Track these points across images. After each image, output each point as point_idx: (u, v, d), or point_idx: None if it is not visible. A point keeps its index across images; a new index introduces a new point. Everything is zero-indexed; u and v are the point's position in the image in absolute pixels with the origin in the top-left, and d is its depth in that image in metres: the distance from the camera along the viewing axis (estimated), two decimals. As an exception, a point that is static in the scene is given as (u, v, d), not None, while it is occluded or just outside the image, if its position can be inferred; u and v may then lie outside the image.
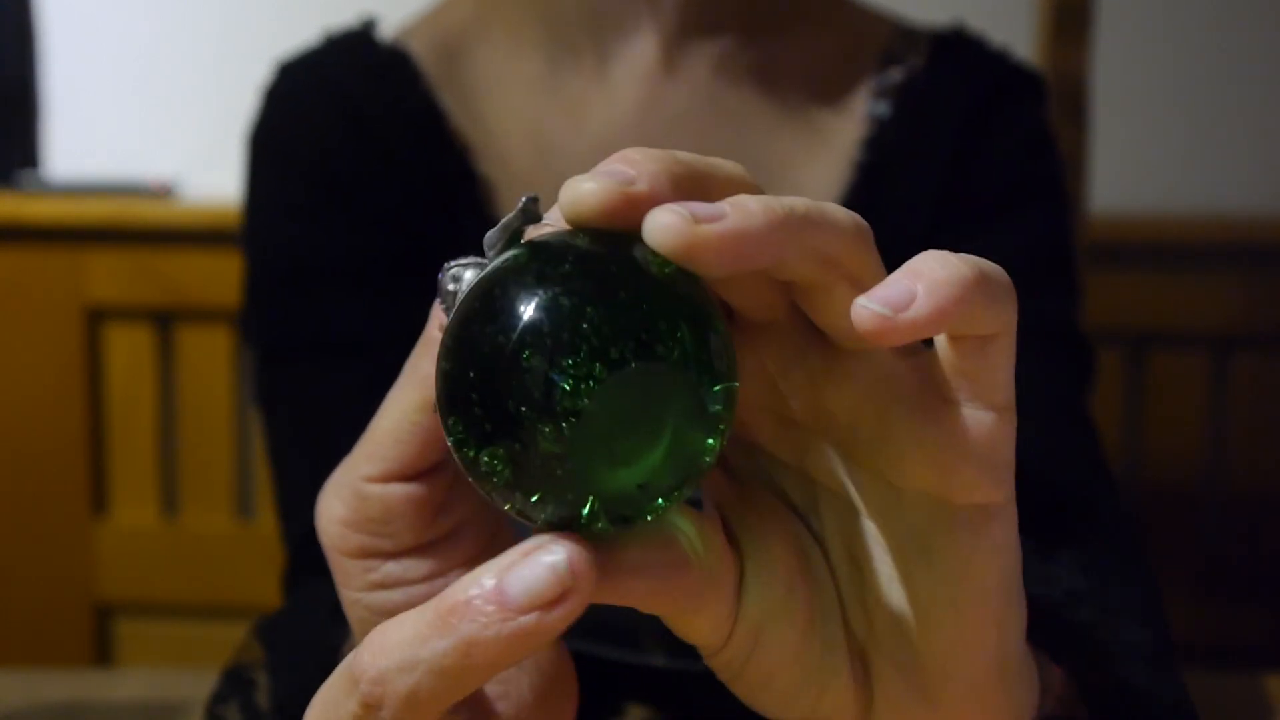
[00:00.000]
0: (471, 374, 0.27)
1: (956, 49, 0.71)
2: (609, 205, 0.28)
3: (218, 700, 0.52)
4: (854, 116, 0.69)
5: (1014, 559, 0.33)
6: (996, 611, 0.32)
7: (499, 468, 0.28)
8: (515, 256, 0.28)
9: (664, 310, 0.27)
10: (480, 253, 0.31)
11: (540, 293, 0.27)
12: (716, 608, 0.32)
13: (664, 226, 0.27)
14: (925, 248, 0.63)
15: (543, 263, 0.28)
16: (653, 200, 0.28)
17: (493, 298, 0.28)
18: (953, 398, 0.31)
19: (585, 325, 0.27)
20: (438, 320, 0.34)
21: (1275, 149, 1.44)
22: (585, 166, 0.75)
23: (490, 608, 0.27)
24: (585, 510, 0.28)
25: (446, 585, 0.35)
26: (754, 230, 0.28)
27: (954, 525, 0.32)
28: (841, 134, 0.68)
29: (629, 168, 0.28)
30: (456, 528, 0.37)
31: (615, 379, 0.27)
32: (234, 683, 0.52)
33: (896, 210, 0.67)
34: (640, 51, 0.68)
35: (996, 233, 0.67)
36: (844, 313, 0.30)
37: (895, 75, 0.69)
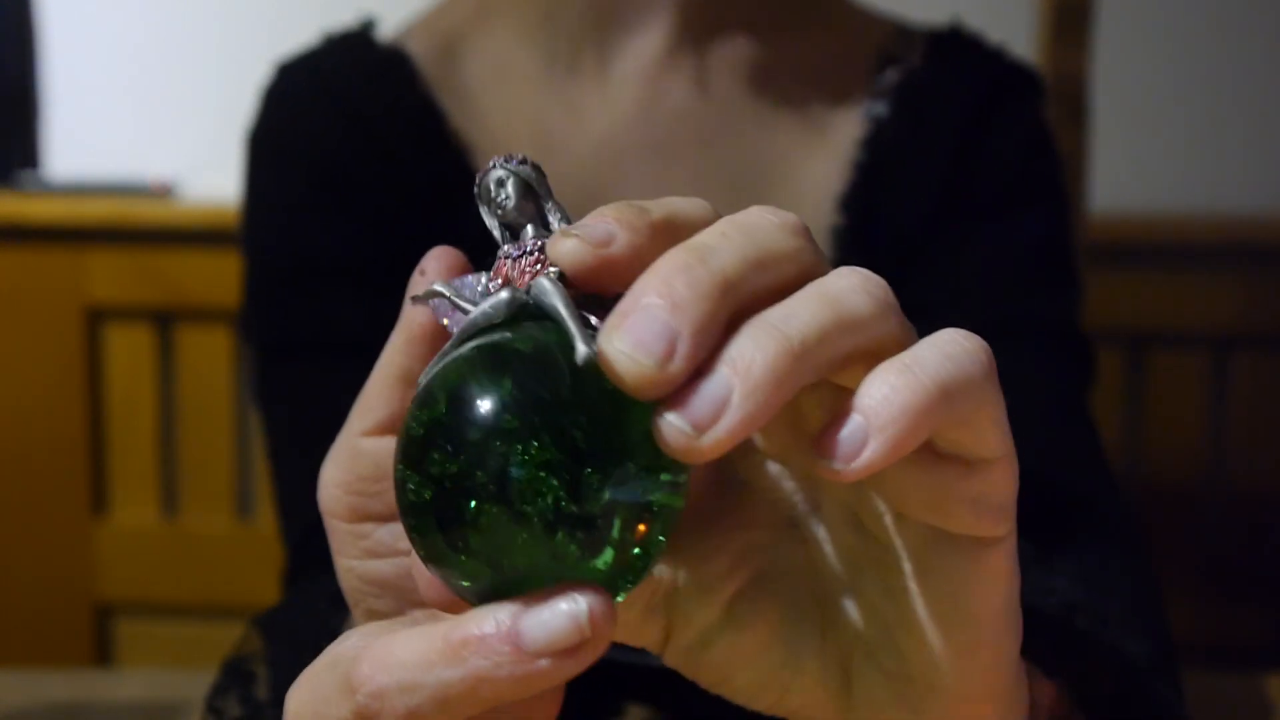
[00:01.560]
0: (449, 403, 0.28)
1: (953, 48, 0.71)
2: (642, 381, 0.27)
3: (217, 693, 0.52)
4: (852, 116, 0.69)
5: (1012, 585, 0.33)
6: (990, 635, 0.33)
7: (420, 482, 0.28)
8: (543, 336, 0.28)
9: (620, 436, 0.28)
10: (479, 256, 0.32)
11: (544, 391, 0.27)
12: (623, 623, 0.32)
13: (669, 440, 0.27)
14: (925, 247, 0.63)
15: (554, 369, 0.28)
16: (685, 373, 0.27)
17: (516, 361, 0.28)
18: (942, 451, 0.30)
19: (570, 447, 0.27)
20: (434, 263, 0.34)
21: (1275, 149, 1.44)
22: (586, 165, 0.75)
23: (505, 648, 0.27)
24: (456, 576, 0.28)
25: None
26: (760, 405, 0.27)
27: (951, 550, 0.32)
28: (840, 134, 0.68)
29: (665, 297, 0.27)
30: None
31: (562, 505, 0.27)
32: (233, 675, 0.52)
33: (895, 209, 0.67)
34: (641, 51, 0.68)
35: (996, 232, 0.67)
36: (858, 381, 0.29)
37: (893, 75, 0.69)
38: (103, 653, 1.52)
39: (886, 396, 0.28)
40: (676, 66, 0.68)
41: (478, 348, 0.28)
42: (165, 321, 1.48)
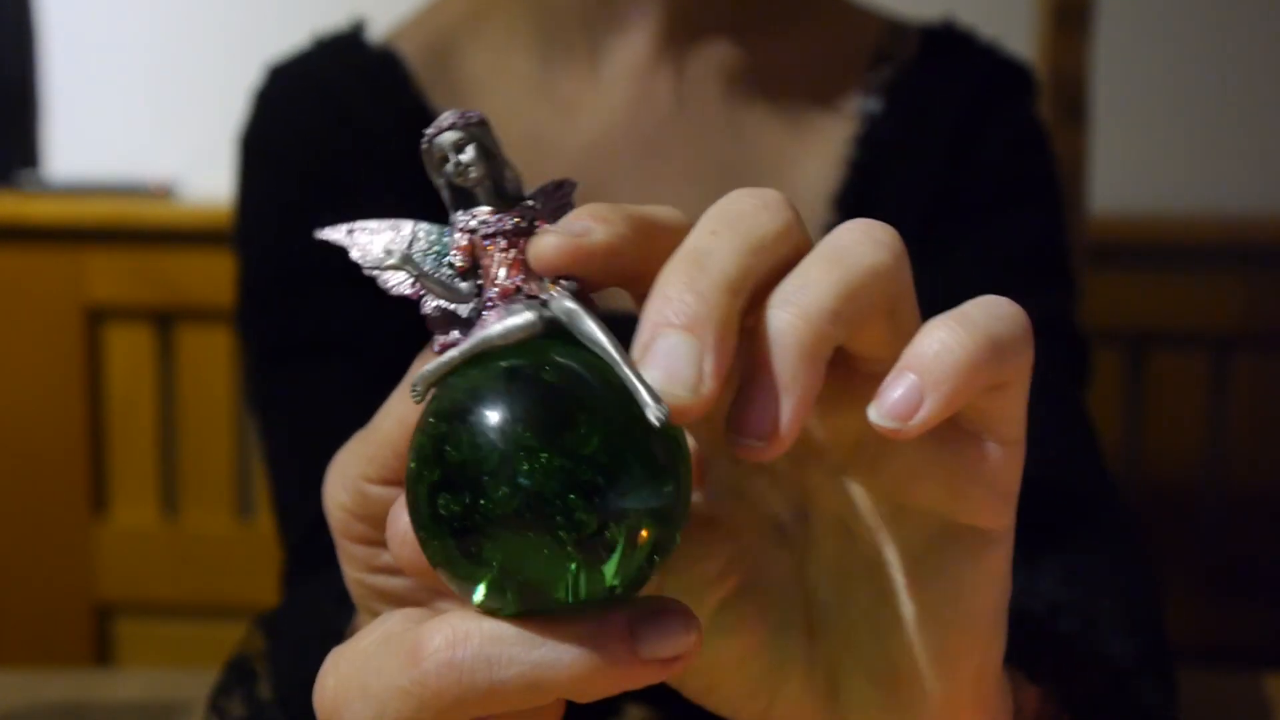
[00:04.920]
0: (465, 423, 0.28)
1: (946, 44, 0.71)
2: (679, 412, 0.28)
3: (220, 692, 0.52)
4: (845, 113, 0.69)
5: (1005, 587, 0.33)
6: (981, 636, 0.33)
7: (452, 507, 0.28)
8: (564, 357, 0.28)
9: (634, 461, 0.28)
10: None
11: (560, 410, 0.27)
12: None
13: (752, 448, 0.28)
14: (920, 245, 0.62)
15: (570, 382, 0.28)
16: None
17: (510, 385, 0.28)
18: (965, 427, 0.31)
19: (578, 458, 0.27)
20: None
21: (1275, 149, 1.44)
22: (578, 164, 0.75)
23: (622, 646, 0.27)
24: (468, 585, 0.28)
25: None
26: (805, 386, 0.28)
27: (952, 548, 0.32)
28: (833, 131, 0.68)
29: (679, 316, 0.28)
30: None
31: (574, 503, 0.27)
32: (236, 674, 0.52)
33: (889, 207, 0.66)
34: (633, 50, 0.68)
35: (991, 229, 0.67)
36: (878, 342, 0.30)
37: (885, 72, 0.69)
38: (103, 653, 1.52)
39: (939, 353, 0.28)
40: (667, 65, 0.68)
41: (504, 372, 0.28)
42: (165, 321, 1.48)
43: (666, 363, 0.27)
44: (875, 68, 0.69)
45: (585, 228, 0.29)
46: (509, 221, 0.30)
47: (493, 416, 0.27)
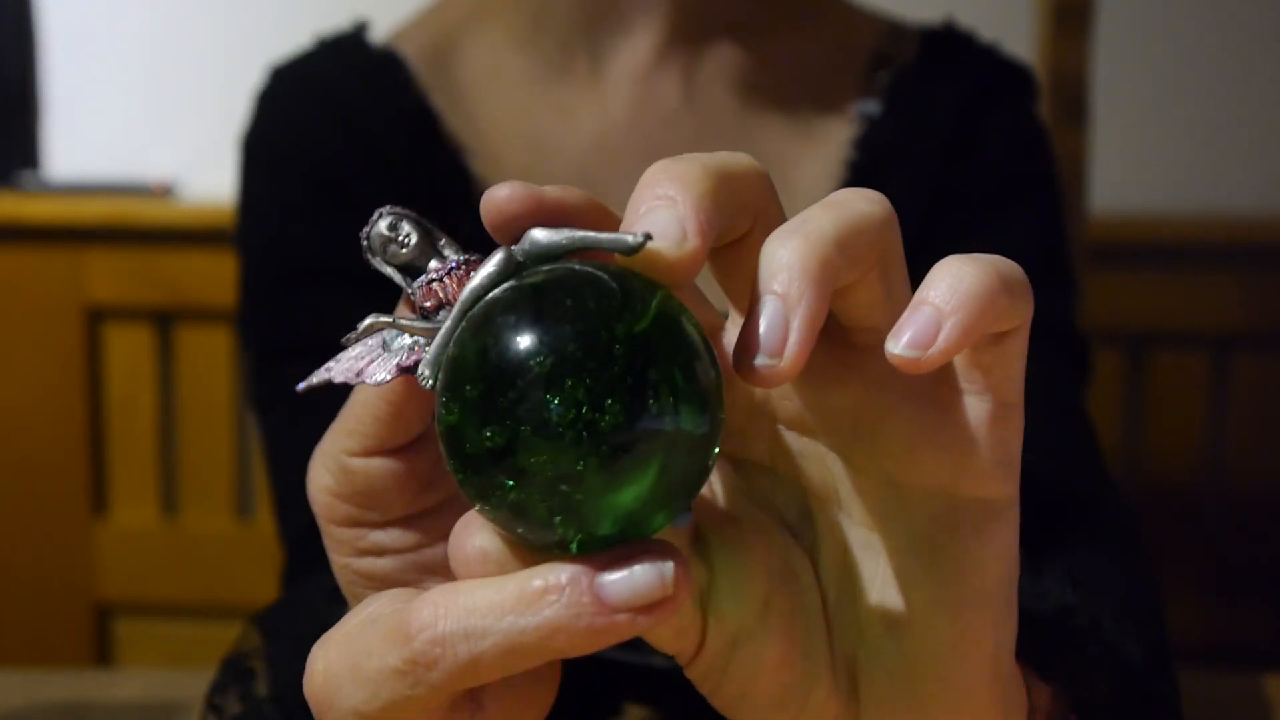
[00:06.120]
0: (487, 350, 0.28)
1: (946, 45, 0.71)
2: (668, 262, 0.28)
3: (216, 690, 0.52)
4: (845, 115, 0.69)
5: (1014, 562, 0.33)
6: (994, 615, 0.32)
7: (489, 442, 0.27)
8: (558, 272, 0.29)
9: (665, 356, 0.28)
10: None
11: (577, 321, 0.28)
12: (676, 619, 0.31)
13: (744, 373, 0.28)
14: (919, 245, 0.63)
15: (587, 287, 0.28)
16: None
17: (524, 309, 0.28)
18: (964, 389, 0.31)
19: (614, 367, 0.27)
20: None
21: (1275, 149, 1.44)
22: (578, 165, 0.75)
23: (586, 599, 0.27)
24: (509, 517, 0.28)
25: (434, 555, 0.35)
26: (813, 303, 0.28)
27: (959, 525, 0.32)
28: (833, 133, 0.68)
29: (659, 194, 0.29)
30: (443, 501, 0.37)
31: (621, 419, 0.27)
32: (232, 672, 0.52)
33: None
34: (633, 51, 0.68)
35: (990, 230, 0.67)
36: (872, 303, 0.30)
37: (885, 74, 0.69)
38: (103, 653, 1.52)
39: (953, 284, 0.29)
40: (668, 68, 0.68)
41: (511, 289, 0.29)
42: (165, 321, 1.48)
43: (648, 226, 0.28)
44: (875, 70, 0.70)
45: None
46: (460, 258, 0.32)
47: (509, 341, 0.28)
